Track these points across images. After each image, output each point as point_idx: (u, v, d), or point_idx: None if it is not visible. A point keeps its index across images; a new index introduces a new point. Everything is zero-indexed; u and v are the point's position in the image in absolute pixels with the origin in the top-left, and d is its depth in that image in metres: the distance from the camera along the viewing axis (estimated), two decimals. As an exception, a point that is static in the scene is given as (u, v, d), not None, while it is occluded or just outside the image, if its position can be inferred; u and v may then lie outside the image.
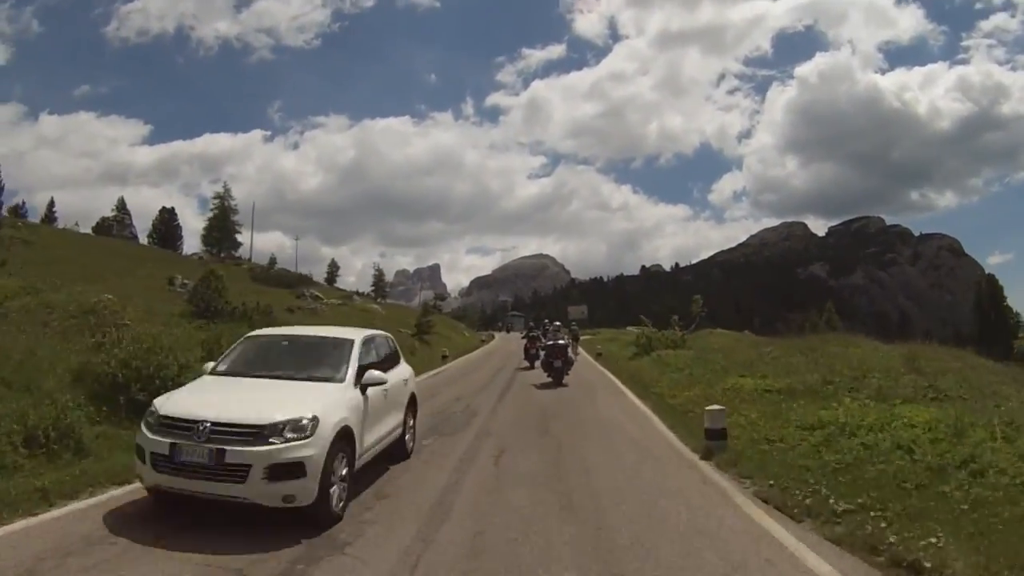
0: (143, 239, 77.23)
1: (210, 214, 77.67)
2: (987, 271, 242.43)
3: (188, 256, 66.04)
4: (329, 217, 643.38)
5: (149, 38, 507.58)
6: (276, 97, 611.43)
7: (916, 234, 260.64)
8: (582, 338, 40.43)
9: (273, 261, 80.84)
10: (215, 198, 79.11)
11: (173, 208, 74.03)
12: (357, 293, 76.65)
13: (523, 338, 30.12)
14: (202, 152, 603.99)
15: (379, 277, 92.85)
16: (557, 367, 20.41)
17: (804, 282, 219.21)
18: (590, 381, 21.62)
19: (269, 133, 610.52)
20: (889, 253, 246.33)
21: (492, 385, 20.63)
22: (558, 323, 25.01)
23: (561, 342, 21.14)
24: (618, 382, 21.27)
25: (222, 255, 74.16)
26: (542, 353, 22.13)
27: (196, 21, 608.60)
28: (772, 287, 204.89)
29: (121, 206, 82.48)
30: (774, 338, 32.15)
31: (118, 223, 78.92)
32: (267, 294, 34.58)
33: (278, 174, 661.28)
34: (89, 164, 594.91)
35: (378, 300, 78.57)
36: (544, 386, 19.49)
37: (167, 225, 74.54)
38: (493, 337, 69.04)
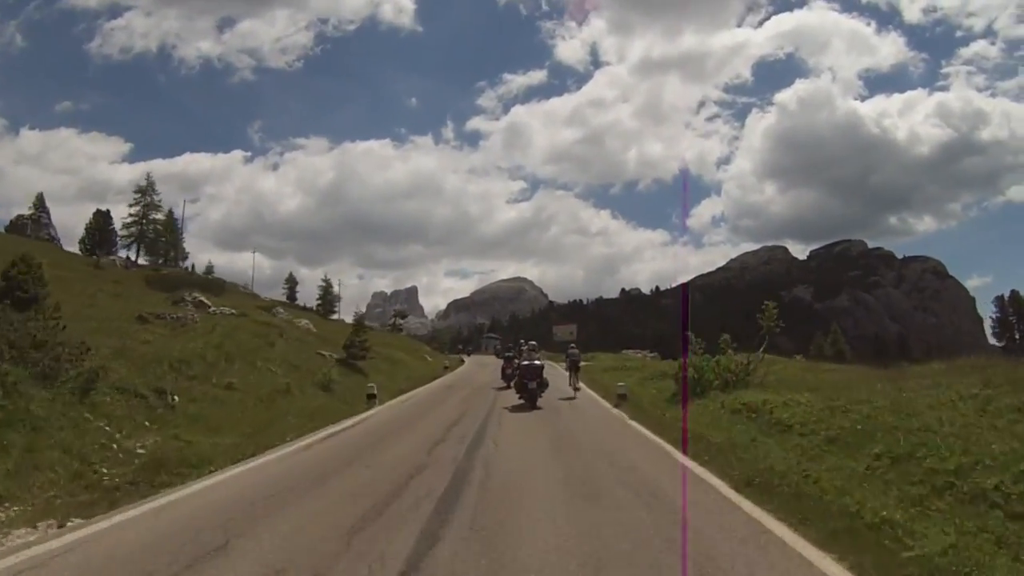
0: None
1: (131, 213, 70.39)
2: (970, 294, 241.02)
3: (110, 263, 57.85)
4: (308, 239, 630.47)
5: (131, 56, 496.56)
6: (257, 118, 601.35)
7: (899, 257, 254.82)
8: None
9: (209, 269, 78.67)
10: (136, 192, 71.97)
11: (108, 211, 65.28)
12: (304, 307, 69.27)
13: (499, 357, 33.61)
14: (182, 171, 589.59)
15: (326, 290, 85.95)
16: (531, 388, 20.04)
17: (788, 305, 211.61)
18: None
19: (249, 154, 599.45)
20: (872, 276, 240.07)
21: (424, 474, 9.94)
22: (533, 343, 24.80)
23: (536, 363, 20.88)
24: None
25: (160, 262, 69.90)
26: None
27: (179, 40, 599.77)
28: (756, 310, 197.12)
29: (40, 203, 74.00)
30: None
31: (34, 222, 70.63)
32: (140, 299, 30.23)
33: (257, 195, 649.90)
34: (69, 180, 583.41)
35: (328, 316, 72.23)
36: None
37: (102, 230, 65.93)
38: (463, 362, 59.08)
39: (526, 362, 21.02)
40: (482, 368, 44.84)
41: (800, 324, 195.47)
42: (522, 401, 20.19)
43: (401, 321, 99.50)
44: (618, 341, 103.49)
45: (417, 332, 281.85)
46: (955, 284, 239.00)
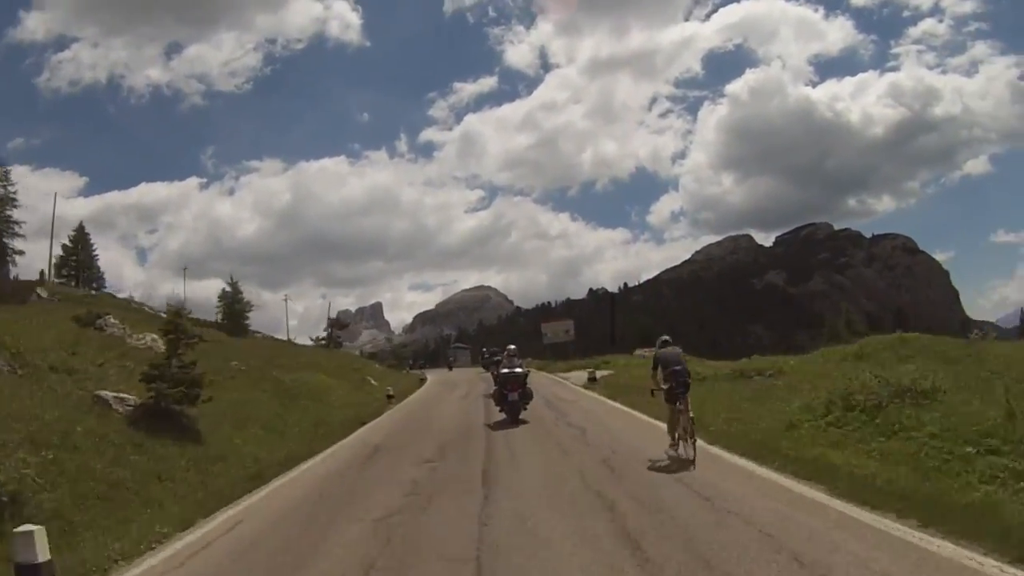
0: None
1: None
2: (943, 267, 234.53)
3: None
4: (267, 262, 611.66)
5: (80, 88, 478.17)
6: (210, 143, 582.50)
7: (868, 236, 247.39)
8: (596, 377, 30.16)
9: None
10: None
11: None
12: (205, 322, 57.50)
13: (487, 368, 37.35)
14: (138, 201, 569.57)
15: (234, 298, 72.32)
16: (512, 400, 17.73)
17: (761, 292, 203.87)
18: None
19: (204, 180, 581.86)
20: (842, 257, 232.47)
21: None
22: (512, 347, 20.86)
23: (518, 370, 18.54)
24: None
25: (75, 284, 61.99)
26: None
27: (127, 70, 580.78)
28: (728, 300, 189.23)
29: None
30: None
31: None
32: None
33: (214, 221, 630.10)
34: (25, 218, 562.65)
35: (243, 332, 62.22)
36: None
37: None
38: (424, 380, 45.58)
39: (505, 369, 18.73)
40: (451, 391, 32.82)
41: (777, 310, 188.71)
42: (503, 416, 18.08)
43: (339, 334, 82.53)
44: (598, 342, 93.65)
45: (384, 348, 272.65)
46: (926, 258, 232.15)
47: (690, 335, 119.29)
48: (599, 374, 30.59)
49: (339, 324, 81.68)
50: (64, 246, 65.14)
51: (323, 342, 72.85)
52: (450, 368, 66.83)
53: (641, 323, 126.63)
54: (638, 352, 40.08)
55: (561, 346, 59.21)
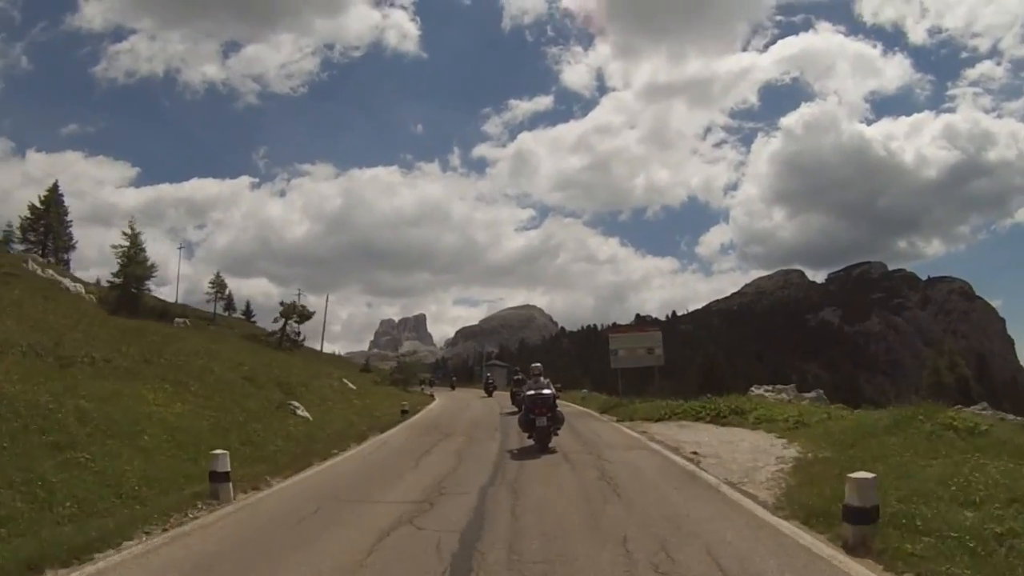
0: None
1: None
2: (999, 315, 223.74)
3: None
4: (315, 266, 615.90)
5: (136, 79, 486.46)
6: (263, 143, 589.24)
7: (923, 278, 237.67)
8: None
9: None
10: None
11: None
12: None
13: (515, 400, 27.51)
14: (189, 196, 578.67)
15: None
16: (541, 427, 15.44)
17: (815, 329, 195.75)
18: None
19: (256, 180, 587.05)
20: (896, 298, 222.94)
21: None
22: (538, 364, 18.42)
23: (546, 391, 16.19)
24: None
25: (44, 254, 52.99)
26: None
27: (183, 64, 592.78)
28: (780, 335, 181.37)
29: None
30: None
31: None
32: None
33: (264, 221, 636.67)
34: (75, 204, 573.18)
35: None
36: None
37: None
38: (433, 400, 40.07)
39: (531, 391, 16.32)
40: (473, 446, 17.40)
41: (831, 348, 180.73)
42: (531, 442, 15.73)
43: (295, 327, 64.15)
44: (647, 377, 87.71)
45: (425, 360, 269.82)
46: (983, 304, 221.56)
47: (748, 368, 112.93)
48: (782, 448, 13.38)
49: (300, 314, 64.17)
50: (32, 207, 55.75)
51: (276, 336, 61.13)
52: (488, 392, 48.52)
53: (696, 354, 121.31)
54: (760, 391, 26.88)
55: (638, 374, 38.28)
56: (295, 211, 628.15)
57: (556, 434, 16.19)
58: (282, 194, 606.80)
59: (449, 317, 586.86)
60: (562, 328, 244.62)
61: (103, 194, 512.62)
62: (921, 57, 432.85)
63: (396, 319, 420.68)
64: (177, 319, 42.26)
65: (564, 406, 22.34)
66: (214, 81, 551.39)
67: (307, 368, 34.76)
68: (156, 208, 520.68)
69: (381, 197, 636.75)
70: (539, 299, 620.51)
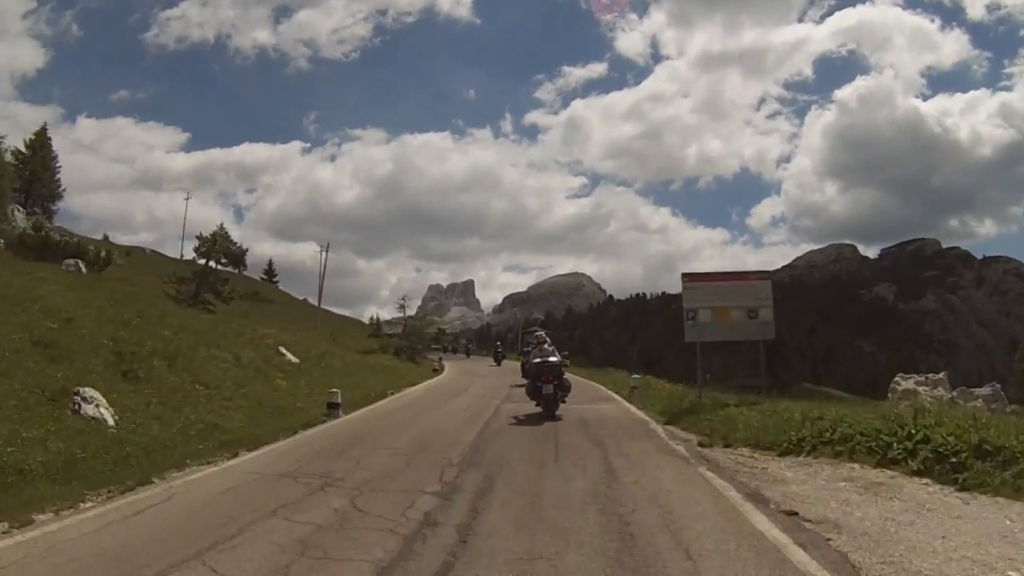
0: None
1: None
2: None
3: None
4: (364, 230, 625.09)
5: (187, 45, 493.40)
6: (314, 108, 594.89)
7: (978, 257, 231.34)
8: None
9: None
10: None
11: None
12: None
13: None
14: (239, 161, 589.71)
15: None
16: (547, 394, 15.58)
17: (868, 305, 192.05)
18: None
19: (307, 145, 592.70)
20: (951, 277, 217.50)
21: None
22: (541, 332, 19.34)
23: (552, 359, 16.28)
24: None
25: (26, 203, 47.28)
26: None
27: (234, 30, 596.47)
28: (832, 310, 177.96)
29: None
30: None
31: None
32: None
33: (313, 185, 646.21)
34: (125, 169, 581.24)
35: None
36: None
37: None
38: (435, 373, 36.46)
39: (538, 359, 16.30)
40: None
41: (884, 325, 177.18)
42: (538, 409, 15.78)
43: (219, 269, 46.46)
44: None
45: (472, 326, 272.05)
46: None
47: (800, 343, 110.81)
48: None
49: (227, 252, 45.73)
50: (16, 153, 46.53)
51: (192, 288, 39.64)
52: (497, 361, 47.30)
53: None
54: (908, 383, 17.95)
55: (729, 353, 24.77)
56: (345, 176, 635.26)
57: (563, 401, 16.37)
58: (332, 159, 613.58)
59: (498, 283, 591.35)
60: (610, 296, 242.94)
61: (153, 158, 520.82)
62: (979, 33, 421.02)
63: (444, 284, 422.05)
64: (68, 260, 32.92)
65: (601, 401, 20.38)
66: (265, 46, 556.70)
67: (217, 331, 23.69)
68: (206, 172, 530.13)
69: (432, 163, 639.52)
70: (588, 267, 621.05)
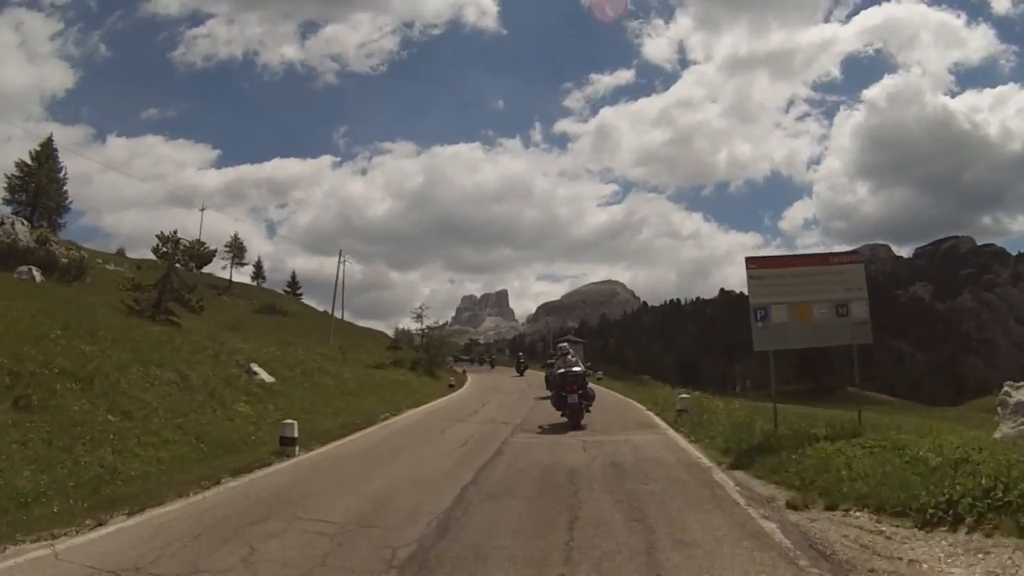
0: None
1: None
2: None
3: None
4: (397, 243, 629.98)
5: (215, 63, 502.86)
6: (343, 123, 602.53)
7: (1014, 254, 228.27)
8: None
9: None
10: None
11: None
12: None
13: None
14: (270, 176, 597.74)
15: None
16: (572, 403, 16.06)
17: (905, 305, 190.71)
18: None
19: (338, 159, 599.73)
20: (987, 274, 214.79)
21: None
22: (565, 344, 21.02)
23: (576, 368, 16.86)
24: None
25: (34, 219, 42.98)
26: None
27: (261, 47, 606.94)
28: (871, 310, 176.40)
29: None
30: None
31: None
32: None
33: (345, 199, 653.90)
34: (155, 187, 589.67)
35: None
36: None
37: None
38: (451, 389, 34.64)
39: (562, 369, 17.10)
40: None
41: (921, 325, 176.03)
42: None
43: (187, 271, 49.50)
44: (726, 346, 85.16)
45: (506, 336, 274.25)
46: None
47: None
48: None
49: (192, 254, 53.03)
50: (19, 164, 46.21)
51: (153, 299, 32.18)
52: (519, 371, 49.03)
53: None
54: (1020, 392, 12.77)
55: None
56: (377, 189, 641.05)
57: (588, 411, 16.73)
58: (363, 172, 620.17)
59: (532, 293, 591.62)
60: (644, 303, 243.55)
61: (185, 176, 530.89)
62: (1005, 28, 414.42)
63: (478, 295, 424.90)
64: (21, 268, 30.59)
65: (640, 430, 16.28)
66: (292, 62, 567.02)
67: (170, 346, 20.01)
68: (238, 188, 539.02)
69: (463, 173, 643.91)
70: (622, 274, 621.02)
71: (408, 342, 53.77)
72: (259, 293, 73.20)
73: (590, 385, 17.59)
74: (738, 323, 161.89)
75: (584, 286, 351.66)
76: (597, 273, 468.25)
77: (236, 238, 73.46)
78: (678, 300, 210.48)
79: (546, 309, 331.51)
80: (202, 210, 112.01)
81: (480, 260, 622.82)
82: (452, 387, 35.13)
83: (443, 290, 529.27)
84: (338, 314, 61.35)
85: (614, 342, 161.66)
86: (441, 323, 52.28)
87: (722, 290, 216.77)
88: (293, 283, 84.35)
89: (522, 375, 46.53)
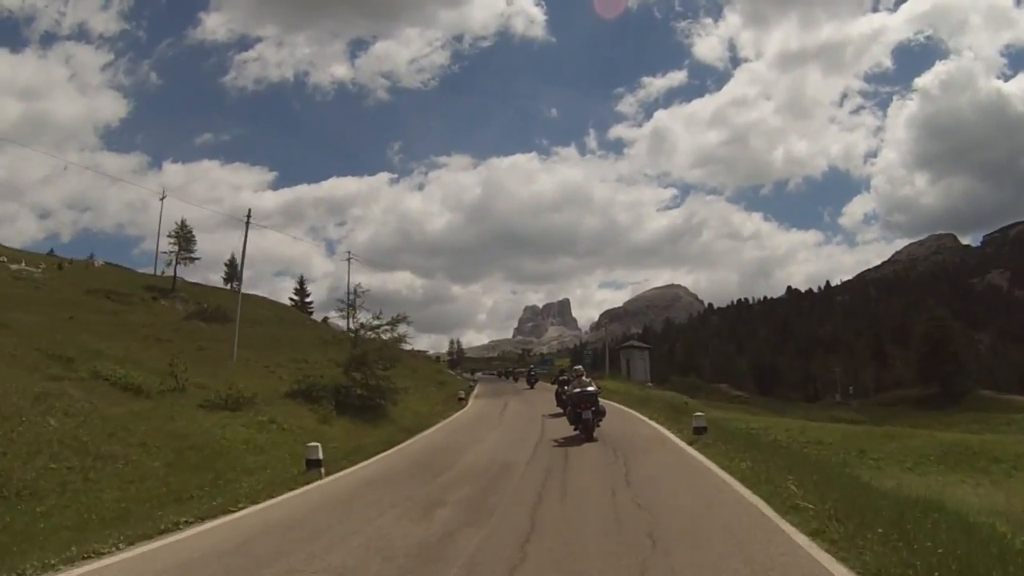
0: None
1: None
2: None
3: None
4: (457, 256, 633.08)
5: (266, 86, 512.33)
6: (398, 139, 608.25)
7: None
8: None
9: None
10: None
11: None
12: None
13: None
14: (328, 195, 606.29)
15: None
16: (586, 419, 17.48)
17: (981, 295, 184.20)
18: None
19: (395, 176, 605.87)
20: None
21: None
22: (579, 367, 22.10)
23: (590, 389, 18.18)
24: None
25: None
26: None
27: (311, 67, 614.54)
28: (941, 302, 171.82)
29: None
30: None
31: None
32: None
33: (403, 215, 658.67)
34: (214, 210, 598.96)
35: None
36: None
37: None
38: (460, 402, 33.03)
39: (577, 390, 18.33)
40: None
41: (1000, 316, 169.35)
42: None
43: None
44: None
45: (568, 345, 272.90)
46: None
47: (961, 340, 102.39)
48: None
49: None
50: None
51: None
52: (530, 384, 47.82)
53: (861, 325, 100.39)
54: None
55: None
56: (434, 203, 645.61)
57: (599, 425, 17.94)
58: (420, 187, 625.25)
59: (594, 301, 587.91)
60: (710, 305, 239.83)
61: (242, 198, 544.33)
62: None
63: (540, 305, 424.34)
64: (14, 266, 27.53)
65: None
66: (343, 81, 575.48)
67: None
68: (296, 208, 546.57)
69: (520, 184, 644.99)
70: (684, 278, 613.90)
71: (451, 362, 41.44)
72: (213, 296, 58.44)
73: (602, 402, 18.98)
74: (812, 321, 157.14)
75: (647, 292, 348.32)
76: (659, 278, 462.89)
77: (184, 226, 58.51)
78: (746, 300, 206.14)
79: (609, 316, 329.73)
80: (162, 199, 67.82)
81: (541, 270, 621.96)
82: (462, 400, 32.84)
83: (505, 301, 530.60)
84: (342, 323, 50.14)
85: (681, 346, 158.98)
86: (389, 319, 30.75)
87: (789, 288, 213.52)
88: (301, 291, 79.01)
89: (532, 388, 45.67)
